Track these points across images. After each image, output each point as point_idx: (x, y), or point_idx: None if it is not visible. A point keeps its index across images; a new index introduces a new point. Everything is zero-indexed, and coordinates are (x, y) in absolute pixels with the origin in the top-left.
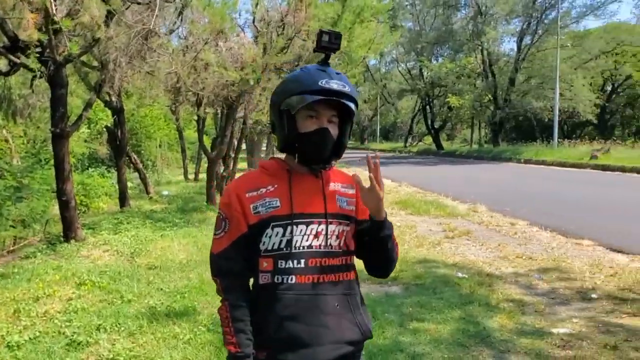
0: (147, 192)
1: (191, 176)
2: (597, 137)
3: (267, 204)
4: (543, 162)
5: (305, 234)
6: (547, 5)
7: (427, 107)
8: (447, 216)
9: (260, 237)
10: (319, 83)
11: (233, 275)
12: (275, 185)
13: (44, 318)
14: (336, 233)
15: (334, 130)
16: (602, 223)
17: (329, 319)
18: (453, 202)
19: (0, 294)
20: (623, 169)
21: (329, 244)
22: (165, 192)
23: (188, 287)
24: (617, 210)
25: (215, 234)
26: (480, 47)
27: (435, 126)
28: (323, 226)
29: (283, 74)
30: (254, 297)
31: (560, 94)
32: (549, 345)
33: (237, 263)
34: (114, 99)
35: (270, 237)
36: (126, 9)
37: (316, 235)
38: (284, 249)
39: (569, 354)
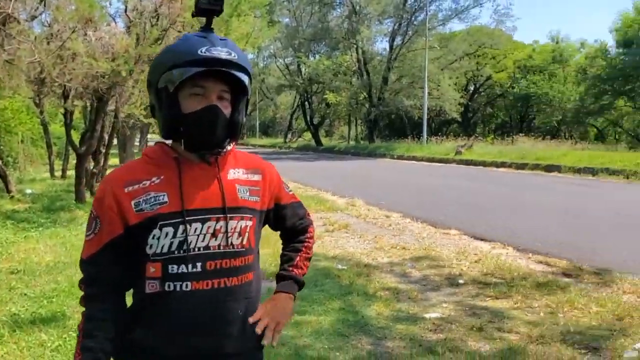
0: (8, 191)
1: (58, 173)
2: (461, 134)
3: (152, 200)
4: (414, 158)
5: (201, 232)
6: (416, 7)
7: (306, 103)
8: (327, 210)
9: (145, 239)
10: (200, 52)
11: (99, 284)
12: (162, 177)
13: None
14: (238, 230)
15: (226, 109)
16: (467, 214)
17: (232, 328)
18: (333, 197)
19: None
20: (484, 163)
21: (229, 243)
22: (28, 191)
23: (56, 291)
24: (480, 201)
25: (86, 236)
26: (355, 46)
27: (314, 122)
28: (222, 223)
29: None
30: (137, 310)
31: (429, 93)
32: (422, 329)
33: (107, 270)
34: None
35: (158, 238)
36: None
37: (214, 234)
38: (176, 252)
39: (440, 337)
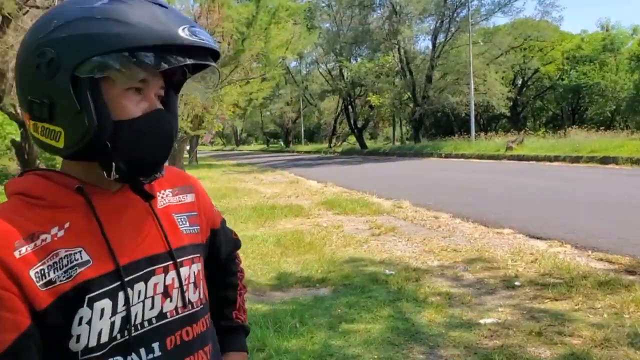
0: None
1: None
2: (511, 129)
3: (64, 263)
4: (462, 156)
5: (147, 296)
6: (458, 3)
7: (349, 106)
8: (373, 214)
9: (67, 329)
10: (182, 32)
11: None
12: (66, 224)
13: None
14: (192, 280)
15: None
16: (520, 211)
17: None
18: (378, 200)
19: None
20: (536, 158)
21: (187, 300)
22: None
23: None
24: (534, 198)
25: None
26: (396, 46)
27: (358, 125)
28: (173, 274)
29: None
30: None
31: (475, 89)
32: (477, 336)
33: None
34: (18, 110)
35: (89, 322)
36: (24, 14)
37: (166, 293)
38: (118, 337)
39: (497, 344)
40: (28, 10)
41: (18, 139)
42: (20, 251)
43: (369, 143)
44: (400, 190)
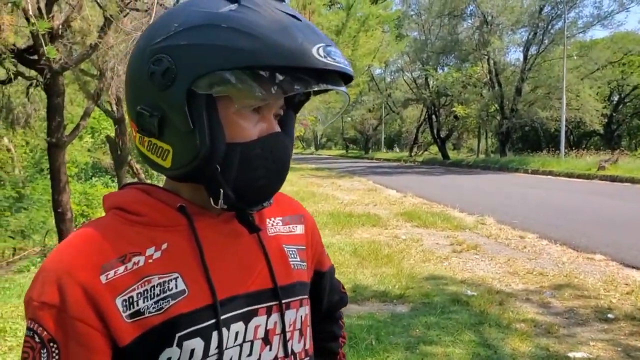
0: None
1: None
2: (603, 148)
3: (156, 292)
4: (550, 173)
5: (246, 340)
6: (553, 15)
7: (433, 116)
8: (454, 229)
9: None
10: (317, 54)
11: None
12: (165, 245)
13: None
14: (298, 325)
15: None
16: (614, 237)
17: None
18: (460, 214)
19: None
20: (632, 180)
21: (290, 350)
22: None
23: None
24: (629, 223)
25: None
26: (486, 57)
27: (441, 135)
28: (276, 317)
29: None
30: None
31: (567, 104)
32: None
33: None
34: (114, 107)
35: None
36: (124, 16)
37: (266, 340)
38: None
39: None
40: (128, 13)
41: (112, 134)
42: (107, 275)
43: (452, 154)
44: (483, 206)
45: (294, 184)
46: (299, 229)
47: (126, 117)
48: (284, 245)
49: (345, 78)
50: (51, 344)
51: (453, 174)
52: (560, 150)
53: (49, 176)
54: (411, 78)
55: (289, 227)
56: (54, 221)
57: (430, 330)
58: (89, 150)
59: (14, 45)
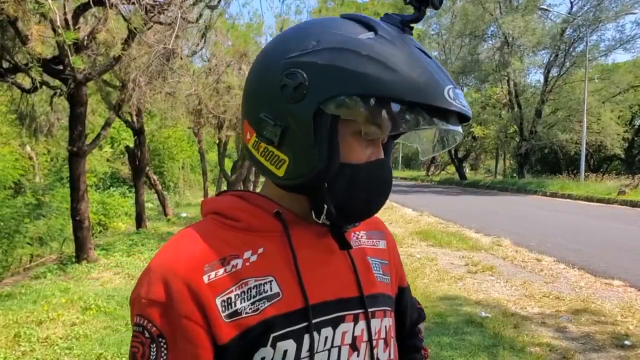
0: (165, 214)
1: None
2: (623, 172)
3: (252, 294)
4: (569, 196)
5: (333, 345)
6: (575, 37)
7: None
8: (470, 249)
9: None
10: (446, 93)
11: None
12: (260, 250)
13: (45, 344)
14: (383, 335)
15: None
16: (632, 263)
17: None
18: (476, 235)
19: (3, 315)
20: None
21: (376, 358)
22: (183, 214)
23: None
24: None
25: None
26: (506, 78)
27: (459, 155)
28: (362, 324)
29: None
30: None
31: (588, 127)
32: None
33: None
34: (134, 118)
35: None
36: (148, 29)
37: (354, 346)
38: None
39: None
40: (152, 26)
41: (132, 145)
42: (209, 276)
43: (469, 174)
44: (500, 227)
45: None
46: (382, 244)
47: (146, 127)
48: (368, 257)
49: (461, 118)
50: (160, 339)
51: (470, 194)
52: (580, 173)
53: (68, 185)
54: None
55: (373, 242)
56: (71, 229)
57: (443, 351)
58: (108, 160)
59: (40, 54)
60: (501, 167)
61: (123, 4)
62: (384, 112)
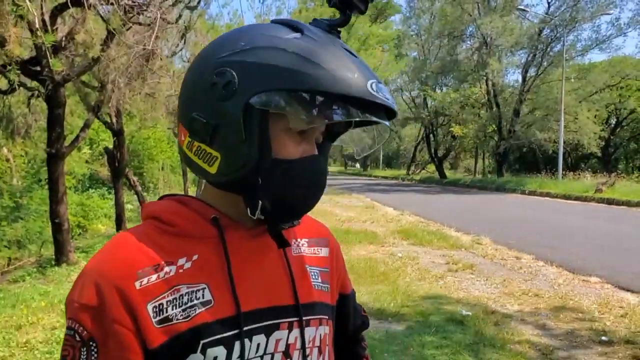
0: None
1: None
2: (600, 170)
3: (185, 300)
4: (547, 194)
5: (267, 352)
6: (552, 37)
7: (431, 135)
8: (450, 248)
9: None
10: (369, 86)
11: None
12: (195, 257)
13: (25, 348)
14: (317, 343)
15: None
16: (609, 260)
17: None
18: (456, 233)
19: None
20: (629, 204)
21: None
22: None
23: None
24: (625, 246)
25: None
26: (484, 78)
27: (439, 154)
28: (296, 332)
29: None
30: None
31: (565, 126)
32: None
33: None
34: (113, 120)
35: None
36: (127, 29)
37: (287, 354)
38: None
39: None
40: (131, 27)
41: (110, 146)
42: (142, 282)
43: (449, 173)
44: (480, 225)
45: None
46: (324, 252)
47: (125, 129)
48: (307, 266)
49: (389, 114)
50: (91, 343)
51: (450, 193)
52: (558, 172)
53: (47, 187)
54: (410, 97)
55: (314, 250)
56: (50, 231)
57: (426, 349)
58: (86, 162)
59: (19, 57)
60: (480, 166)
61: (102, 4)
62: (310, 106)
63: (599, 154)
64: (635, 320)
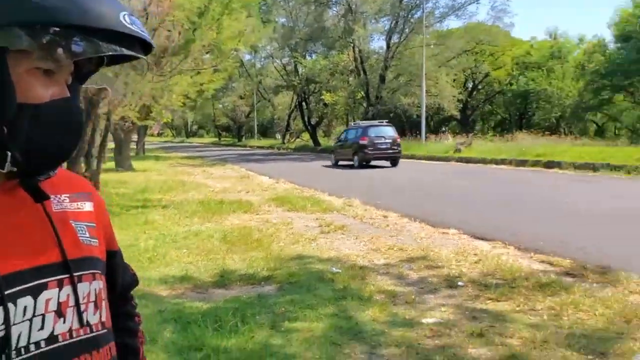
0: None
1: None
2: (460, 132)
3: None
4: (412, 157)
5: (36, 314)
6: (412, 5)
7: (303, 103)
8: (323, 211)
9: None
10: (122, 18)
11: None
12: None
13: None
14: (92, 298)
15: None
16: (466, 213)
17: None
18: (329, 197)
19: None
20: (484, 161)
21: (86, 321)
22: None
23: None
24: (479, 200)
25: None
26: (351, 45)
27: (312, 122)
28: (68, 289)
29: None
30: None
31: (427, 91)
32: (419, 335)
33: None
34: None
35: None
36: None
37: (60, 312)
38: None
39: (438, 344)
40: None
41: None
42: None
43: (323, 141)
44: (351, 189)
45: (162, 173)
46: (88, 206)
47: None
48: (71, 221)
49: (145, 49)
50: None
51: (324, 159)
52: (422, 135)
53: None
54: (281, 65)
55: (77, 204)
56: None
57: (295, 307)
58: None
59: None
60: None
61: None
62: (55, 42)
63: (458, 117)
64: (487, 265)
